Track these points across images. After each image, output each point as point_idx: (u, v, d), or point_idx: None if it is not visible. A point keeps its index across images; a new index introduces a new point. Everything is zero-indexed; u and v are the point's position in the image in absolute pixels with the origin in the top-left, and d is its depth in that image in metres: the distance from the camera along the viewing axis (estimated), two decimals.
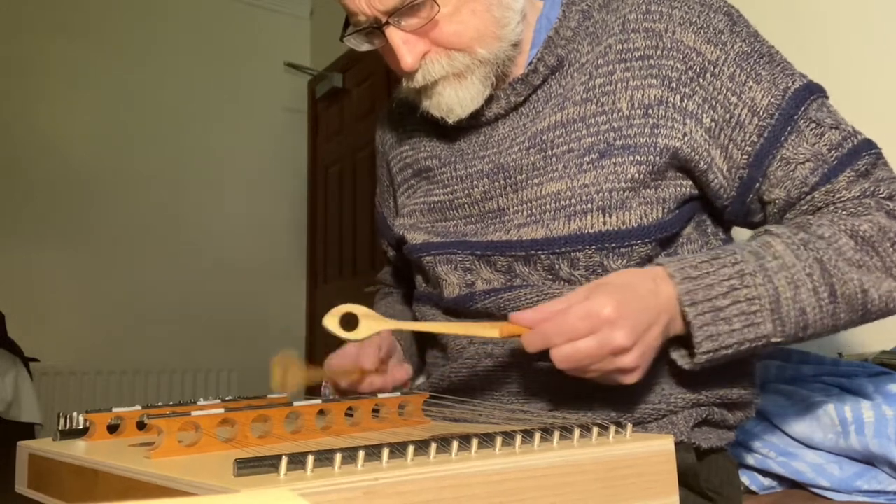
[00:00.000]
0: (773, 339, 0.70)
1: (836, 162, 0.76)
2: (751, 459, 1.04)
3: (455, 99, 0.83)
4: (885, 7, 1.37)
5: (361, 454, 0.44)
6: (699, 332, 0.68)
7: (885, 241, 0.73)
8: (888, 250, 0.73)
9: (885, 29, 1.36)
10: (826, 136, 0.77)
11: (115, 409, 0.71)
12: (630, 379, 0.67)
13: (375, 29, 0.81)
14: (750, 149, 0.77)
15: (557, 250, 0.79)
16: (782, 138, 0.77)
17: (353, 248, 3.48)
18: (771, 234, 0.74)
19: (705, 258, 0.71)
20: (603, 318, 0.63)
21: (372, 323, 0.70)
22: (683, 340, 0.72)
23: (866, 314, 0.73)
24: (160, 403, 0.84)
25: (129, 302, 3.49)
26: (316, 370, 0.81)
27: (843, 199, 0.76)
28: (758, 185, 0.79)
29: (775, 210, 0.80)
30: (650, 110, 0.78)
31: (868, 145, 0.78)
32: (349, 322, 0.69)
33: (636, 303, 0.66)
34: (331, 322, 0.68)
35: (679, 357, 0.73)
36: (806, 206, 0.78)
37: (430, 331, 0.76)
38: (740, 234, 0.91)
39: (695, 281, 0.69)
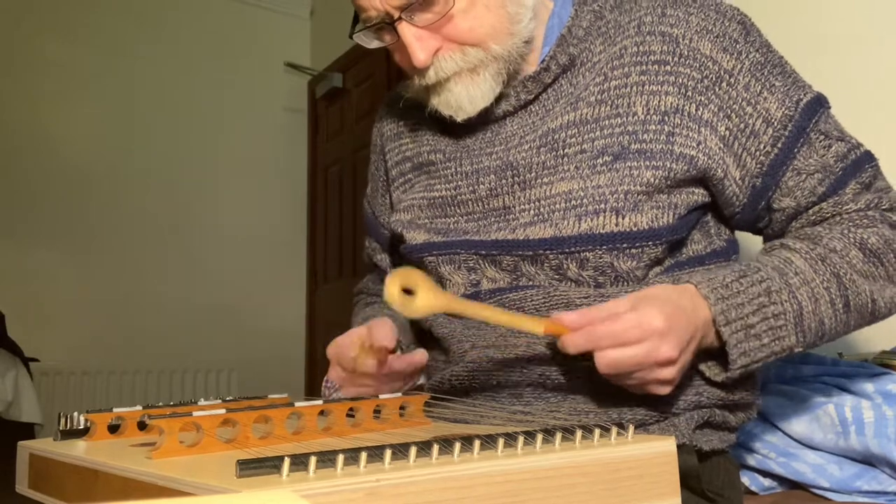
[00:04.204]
0: (796, 349, 0.74)
1: (841, 173, 0.80)
2: (751, 460, 1.04)
3: (465, 96, 0.83)
4: (881, 12, 1.37)
5: (364, 455, 0.44)
6: (734, 349, 0.71)
7: (889, 253, 0.79)
8: (892, 261, 0.79)
9: (879, 35, 1.36)
10: (833, 147, 0.80)
11: (115, 409, 0.71)
12: (665, 390, 0.70)
13: (387, 25, 0.81)
14: (764, 158, 0.79)
15: (567, 250, 0.78)
16: (795, 150, 0.79)
17: (353, 248, 3.48)
18: (790, 250, 0.77)
19: (733, 277, 0.73)
20: (653, 328, 0.66)
21: (430, 295, 0.65)
22: (712, 354, 0.75)
23: (873, 319, 0.80)
24: (161, 403, 0.83)
25: (130, 302, 3.49)
26: (374, 349, 0.79)
27: (849, 210, 0.80)
28: (770, 193, 0.81)
29: (783, 218, 0.83)
30: (666, 118, 0.79)
31: (869, 157, 0.82)
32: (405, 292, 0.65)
33: (682, 317, 0.68)
34: (393, 288, 0.62)
35: (708, 369, 0.76)
36: (814, 216, 0.81)
37: (478, 314, 0.70)
38: (741, 236, 0.91)
39: (727, 301, 0.71)
